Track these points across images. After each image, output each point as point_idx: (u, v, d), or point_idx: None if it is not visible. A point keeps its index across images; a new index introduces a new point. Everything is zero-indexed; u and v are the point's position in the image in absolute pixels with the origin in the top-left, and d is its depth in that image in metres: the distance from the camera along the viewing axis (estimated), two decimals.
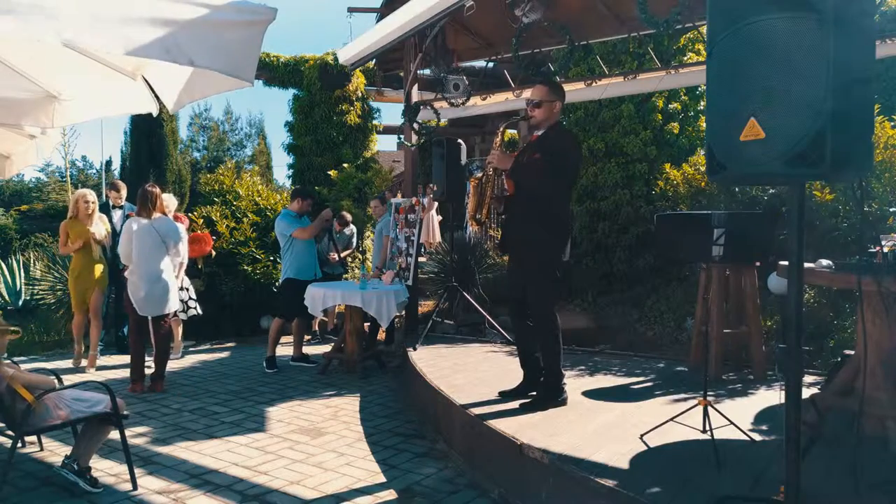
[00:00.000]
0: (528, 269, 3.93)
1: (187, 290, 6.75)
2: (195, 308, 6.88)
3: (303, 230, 6.28)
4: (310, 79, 10.62)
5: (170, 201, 6.19)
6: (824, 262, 3.31)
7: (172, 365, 6.41)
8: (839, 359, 3.79)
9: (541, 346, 3.95)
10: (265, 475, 3.64)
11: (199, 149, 29.22)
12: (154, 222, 5.36)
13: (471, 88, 6.65)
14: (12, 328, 3.40)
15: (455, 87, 6.47)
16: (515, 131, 13.55)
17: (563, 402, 3.91)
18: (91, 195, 6.23)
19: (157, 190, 5.49)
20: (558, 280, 3.95)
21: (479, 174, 4.02)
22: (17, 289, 9.25)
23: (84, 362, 6.31)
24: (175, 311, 5.98)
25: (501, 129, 4.20)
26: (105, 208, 6.80)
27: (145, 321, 5.40)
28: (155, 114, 4.06)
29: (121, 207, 6.85)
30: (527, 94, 4.04)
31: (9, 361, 3.37)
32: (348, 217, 8.04)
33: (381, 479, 3.60)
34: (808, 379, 4.32)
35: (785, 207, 5.29)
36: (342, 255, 7.59)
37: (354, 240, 8.20)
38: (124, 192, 7.02)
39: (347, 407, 5.05)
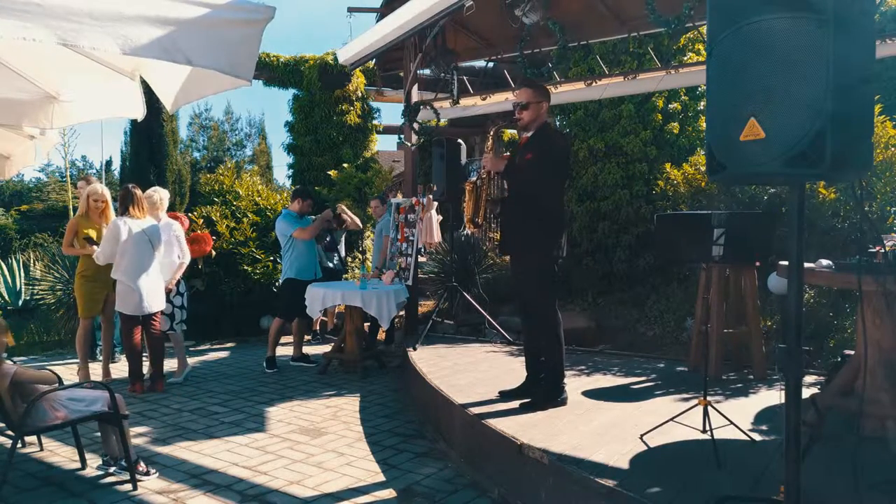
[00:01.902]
0: (525, 269, 3.95)
1: (182, 295, 6.04)
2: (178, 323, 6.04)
3: (303, 230, 6.29)
4: (310, 79, 10.62)
5: (159, 194, 5.87)
6: (824, 262, 3.31)
7: (173, 365, 6.41)
8: (839, 359, 3.79)
9: (543, 345, 3.96)
10: (265, 475, 3.64)
11: (199, 149, 29.26)
12: (141, 223, 5.32)
13: (470, 89, 6.65)
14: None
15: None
16: (515, 130, 13.56)
17: (563, 402, 3.91)
18: (105, 192, 5.80)
19: (139, 191, 5.45)
20: (556, 277, 3.97)
21: (474, 178, 4.08)
22: (17, 289, 9.25)
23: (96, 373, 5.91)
24: (171, 328, 5.82)
25: (492, 132, 4.24)
26: None
27: (137, 321, 5.36)
28: (140, 118, 4.04)
29: None
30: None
31: (10, 362, 3.36)
32: (346, 211, 7.95)
33: (381, 479, 3.60)
34: (808, 379, 4.32)
35: (785, 207, 5.30)
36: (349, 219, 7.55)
37: (357, 221, 8.11)
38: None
39: (347, 407, 5.05)
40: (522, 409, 3.82)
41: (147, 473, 3.53)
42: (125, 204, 5.33)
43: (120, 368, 6.17)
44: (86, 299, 5.65)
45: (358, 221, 7.71)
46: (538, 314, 3.94)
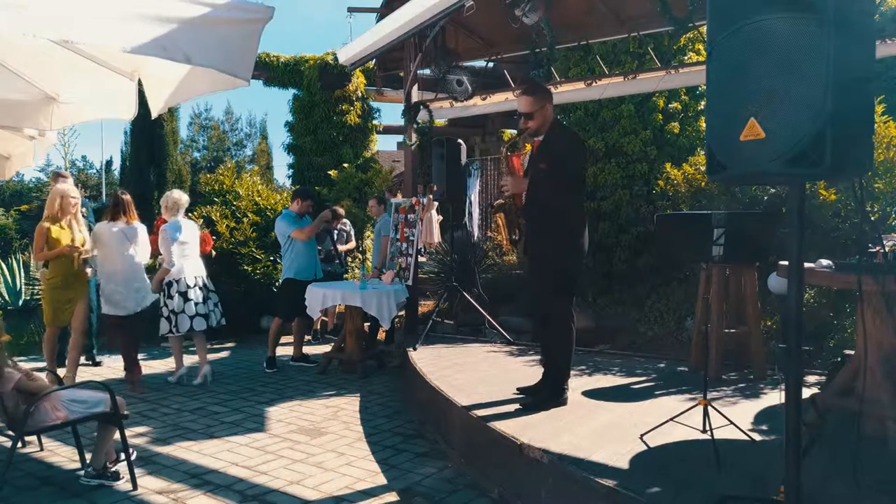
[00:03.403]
0: (542, 269, 3.96)
1: (172, 298, 5.65)
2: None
3: (300, 231, 6.28)
4: (310, 79, 10.62)
5: (180, 198, 5.90)
6: (824, 262, 3.30)
7: (173, 365, 6.40)
8: (839, 359, 3.78)
9: (553, 346, 3.98)
10: (265, 475, 3.64)
11: (199, 149, 29.25)
12: (122, 225, 5.40)
13: (472, 87, 6.64)
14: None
15: (458, 84, 6.47)
16: (514, 130, 13.57)
17: (564, 403, 3.91)
18: (75, 191, 5.39)
19: (128, 197, 5.52)
20: (572, 277, 3.97)
21: (501, 200, 4.15)
22: (17, 289, 9.24)
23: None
24: (170, 331, 5.67)
25: (503, 150, 4.24)
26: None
27: (120, 320, 5.42)
28: (129, 118, 4.05)
29: None
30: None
31: (13, 368, 3.36)
32: (340, 211, 7.92)
33: (381, 479, 3.60)
34: (808, 379, 4.32)
35: (785, 207, 5.29)
36: (343, 249, 7.56)
37: (352, 234, 8.12)
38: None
39: (347, 407, 5.04)
40: (523, 410, 3.82)
41: (116, 477, 3.50)
42: (111, 210, 5.43)
43: (110, 367, 6.16)
44: (54, 307, 5.32)
45: (346, 248, 7.78)
46: (553, 315, 3.93)
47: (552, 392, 3.92)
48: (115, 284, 5.34)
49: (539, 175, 3.83)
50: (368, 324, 6.82)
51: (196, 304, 5.70)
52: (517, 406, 3.87)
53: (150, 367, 6.34)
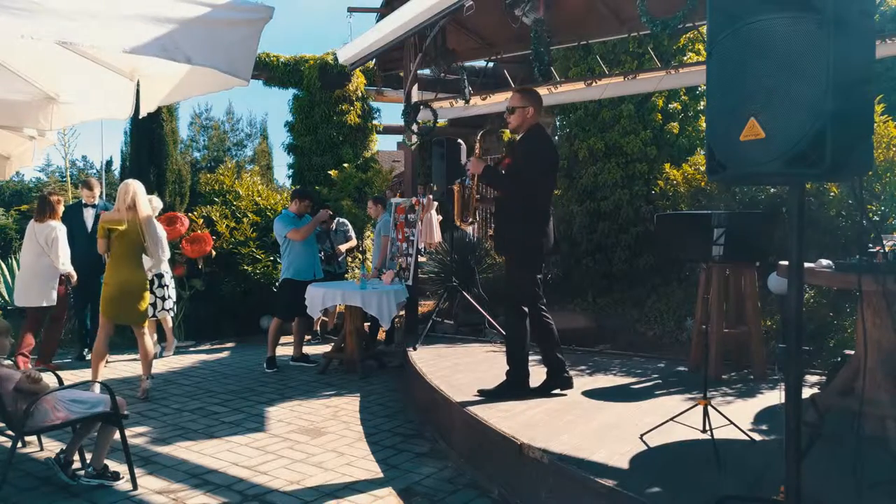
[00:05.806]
0: (507, 265, 4.16)
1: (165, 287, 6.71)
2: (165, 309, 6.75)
3: (296, 231, 6.27)
4: (310, 79, 10.61)
5: (156, 203, 6.46)
6: (824, 262, 3.30)
7: (173, 365, 6.43)
8: (839, 359, 3.78)
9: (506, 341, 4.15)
10: (265, 475, 3.64)
11: (200, 149, 29.21)
12: (36, 226, 5.86)
13: (471, 89, 6.64)
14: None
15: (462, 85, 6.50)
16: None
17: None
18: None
19: (55, 198, 5.96)
20: (533, 276, 4.07)
21: (460, 180, 4.32)
22: None
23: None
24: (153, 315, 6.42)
25: (478, 136, 4.37)
26: (77, 206, 6.70)
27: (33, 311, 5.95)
28: (125, 117, 4.07)
29: (94, 206, 6.69)
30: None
31: (9, 362, 3.37)
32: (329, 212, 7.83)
33: (381, 479, 3.60)
34: (808, 379, 4.32)
35: (785, 208, 5.29)
36: (344, 248, 7.54)
37: (352, 233, 8.05)
38: (97, 191, 6.90)
39: (347, 407, 5.04)
40: (482, 396, 4.03)
41: (116, 477, 3.50)
42: (36, 210, 5.93)
43: (112, 368, 6.17)
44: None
45: (347, 246, 7.71)
46: (506, 308, 4.14)
47: (510, 384, 4.07)
48: (20, 278, 5.99)
49: (504, 168, 4.10)
50: (368, 324, 6.82)
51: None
52: (516, 406, 3.88)
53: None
